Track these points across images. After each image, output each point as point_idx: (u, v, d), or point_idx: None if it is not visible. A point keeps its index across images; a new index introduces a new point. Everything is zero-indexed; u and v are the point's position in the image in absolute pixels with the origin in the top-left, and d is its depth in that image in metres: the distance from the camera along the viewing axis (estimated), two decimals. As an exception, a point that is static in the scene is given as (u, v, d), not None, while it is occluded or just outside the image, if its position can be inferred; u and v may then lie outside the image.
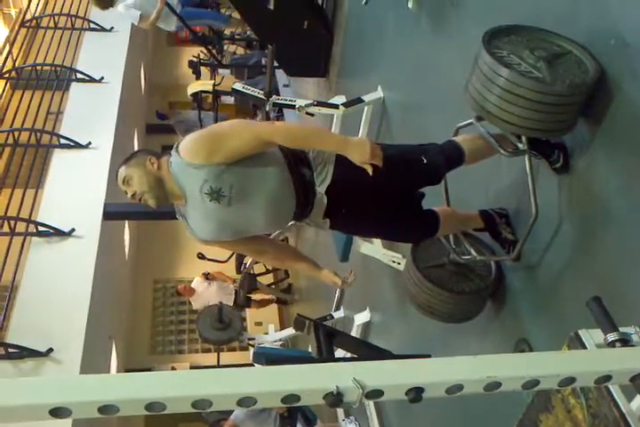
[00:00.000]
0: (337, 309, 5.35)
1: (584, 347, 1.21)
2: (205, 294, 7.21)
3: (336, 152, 1.99)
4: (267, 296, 8.05)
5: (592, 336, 1.23)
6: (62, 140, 6.00)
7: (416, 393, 0.95)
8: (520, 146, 2.03)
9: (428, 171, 2.19)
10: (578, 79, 1.85)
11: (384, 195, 2.19)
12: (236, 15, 7.01)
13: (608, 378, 1.03)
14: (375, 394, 0.94)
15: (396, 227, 2.31)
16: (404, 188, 2.24)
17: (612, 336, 1.16)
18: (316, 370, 0.96)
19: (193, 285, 7.32)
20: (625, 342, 1.16)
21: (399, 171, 2.07)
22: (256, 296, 7.77)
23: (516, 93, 1.82)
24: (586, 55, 1.90)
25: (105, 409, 0.87)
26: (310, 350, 5.60)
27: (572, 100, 1.85)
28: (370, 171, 1.90)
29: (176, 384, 0.90)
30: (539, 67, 1.86)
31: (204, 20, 6.94)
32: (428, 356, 1.45)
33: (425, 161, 2.14)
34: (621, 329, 1.18)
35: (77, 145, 6.01)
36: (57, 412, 0.86)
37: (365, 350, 2.52)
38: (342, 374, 0.93)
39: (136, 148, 8.86)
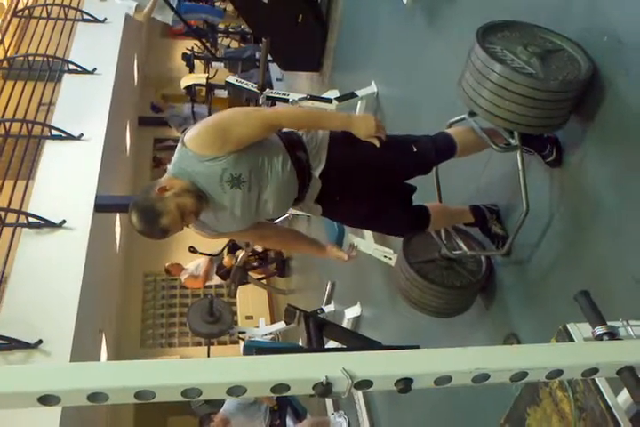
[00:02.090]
0: (328, 303, 5.35)
1: (572, 340, 1.22)
2: (192, 265, 7.37)
3: (342, 129, 2.00)
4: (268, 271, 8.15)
5: (580, 330, 1.23)
6: (54, 132, 5.96)
7: (405, 384, 0.96)
8: (512, 141, 2.04)
9: (417, 160, 2.20)
10: (571, 76, 1.86)
11: (376, 183, 2.21)
12: (231, 9, 6.99)
13: (595, 371, 1.04)
14: (364, 384, 0.94)
15: (387, 218, 2.32)
16: (394, 175, 2.25)
17: (599, 330, 1.17)
18: (305, 360, 0.96)
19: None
20: (612, 335, 1.16)
21: (390, 156, 2.09)
22: (254, 274, 7.83)
23: (508, 89, 1.82)
24: (579, 52, 1.91)
25: (94, 397, 0.87)
26: (301, 343, 5.61)
27: (565, 96, 1.86)
28: (377, 144, 1.96)
29: (166, 372, 0.90)
30: (532, 63, 1.86)
31: (199, 14, 6.95)
32: (417, 347, 1.45)
33: (415, 150, 2.16)
34: (609, 323, 1.19)
35: (69, 136, 5.97)
36: (46, 399, 0.86)
37: (355, 341, 2.53)
38: (332, 365, 0.93)
39: (128, 140, 8.82)
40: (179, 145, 1.91)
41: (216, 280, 7.57)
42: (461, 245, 2.51)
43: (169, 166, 1.98)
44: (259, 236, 2.33)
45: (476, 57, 1.87)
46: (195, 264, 7.49)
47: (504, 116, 1.88)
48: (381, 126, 1.97)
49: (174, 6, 6.11)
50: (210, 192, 1.92)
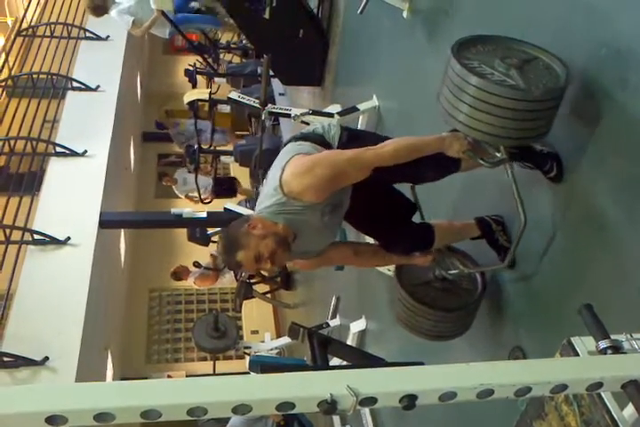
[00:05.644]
0: (333, 317, 5.34)
1: (576, 354, 1.22)
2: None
3: (436, 151, 2.06)
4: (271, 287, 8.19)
5: (584, 343, 1.23)
6: (58, 149, 5.99)
7: (409, 400, 0.96)
8: (498, 155, 1.97)
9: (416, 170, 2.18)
10: (551, 83, 1.83)
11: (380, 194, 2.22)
12: (231, 20, 7.03)
13: (599, 385, 1.04)
14: (369, 402, 0.95)
15: (391, 233, 2.32)
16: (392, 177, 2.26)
17: (603, 343, 1.17)
18: (310, 378, 0.97)
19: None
20: (616, 349, 1.16)
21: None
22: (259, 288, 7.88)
23: (491, 103, 1.78)
24: (553, 59, 1.88)
25: (101, 417, 0.87)
26: (306, 358, 5.59)
27: (548, 104, 1.82)
28: (468, 158, 2.03)
29: (171, 392, 0.91)
30: (511, 74, 1.83)
31: (196, 24, 6.97)
32: (422, 363, 1.45)
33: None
34: (613, 336, 1.19)
35: (73, 153, 6.00)
36: (53, 420, 0.87)
37: (359, 358, 2.53)
38: (336, 382, 0.94)
39: (132, 156, 8.86)
40: (271, 191, 1.95)
41: (229, 280, 7.58)
42: (457, 264, 2.48)
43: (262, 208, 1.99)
44: (353, 251, 2.38)
45: (454, 73, 1.83)
46: (203, 264, 7.56)
47: (486, 129, 1.82)
48: (470, 143, 2.01)
49: (172, 19, 6.15)
50: (308, 227, 1.99)
